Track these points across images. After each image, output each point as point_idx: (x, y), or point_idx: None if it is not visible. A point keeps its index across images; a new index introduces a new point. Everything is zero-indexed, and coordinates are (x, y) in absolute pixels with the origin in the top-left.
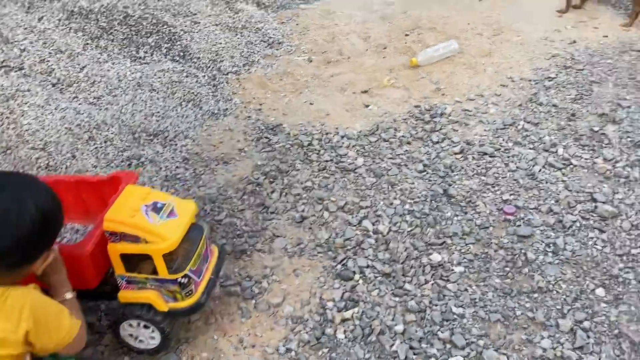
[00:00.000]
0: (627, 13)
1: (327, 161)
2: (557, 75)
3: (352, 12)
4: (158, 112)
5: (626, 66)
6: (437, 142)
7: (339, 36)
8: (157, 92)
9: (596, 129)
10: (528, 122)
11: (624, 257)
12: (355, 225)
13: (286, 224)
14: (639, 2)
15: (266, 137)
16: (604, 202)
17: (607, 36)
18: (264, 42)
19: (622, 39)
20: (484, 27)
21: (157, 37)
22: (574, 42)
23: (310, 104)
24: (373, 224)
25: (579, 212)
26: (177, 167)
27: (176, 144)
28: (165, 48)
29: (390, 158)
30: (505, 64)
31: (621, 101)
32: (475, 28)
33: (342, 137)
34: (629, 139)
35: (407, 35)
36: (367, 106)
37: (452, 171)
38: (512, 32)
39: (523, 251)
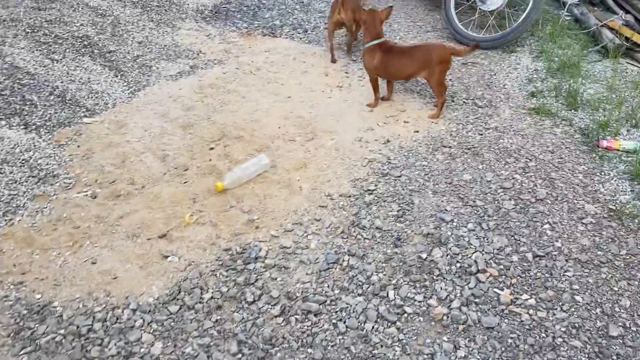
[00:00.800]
0: (433, 102)
1: (113, 356)
2: (376, 186)
3: (147, 122)
4: None
5: (441, 167)
6: (254, 302)
7: (131, 157)
8: None
9: (424, 255)
10: (353, 255)
11: None
12: None
13: None
14: (441, 93)
15: (28, 328)
16: None
17: (418, 131)
18: (34, 177)
19: (432, 134)
20: (296, 130)
21: None
22: (388, 141)
23: (93, 263)
24: None
25: None
26: None
27: None
28: None
29: (197, 336)
30: (322, 176)
31: (443, 214)
32: (287, 132)
33: (135, 311)
34: (458, 265)
35: (211, 149)
36: (167, 257)
37: (274, 346)
38: (326, 133)
39: None
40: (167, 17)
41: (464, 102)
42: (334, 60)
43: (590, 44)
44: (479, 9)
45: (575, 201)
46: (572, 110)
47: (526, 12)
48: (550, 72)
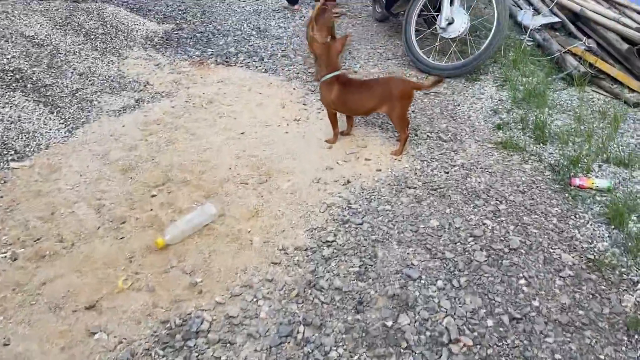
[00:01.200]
0: (396, 137)
1: None
2: (335, 236)
3: (83, 165)
4: None
5: (406, 212)
6: None
7: (61, 209)
8: None
9: (389, 323)
10: (309, 325)
11: None
12: None
13: None
14: (404, 129)
15: None
16: None
17: (380, 170)
18: None
19: (396, 172)
20: (249, 171)
21: None
22: (348, 182)
23: (5, 344)
24: None
25: None
26: None
27: None
28: None
29: None
30: (276, 226)
31: (410, 270)
32: (238, 174)
33: None
34: (428, 333)
35: (153, 196)
36: (94, 334)
37: None
38: (281, 174)
39: None
40: (113, 45)
41: (427, 136)
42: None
43: (554, 70)
44: (440, 36)
45: (551, 250)
46: (541, 144)
47: (489, 38)
48: (516, 102)
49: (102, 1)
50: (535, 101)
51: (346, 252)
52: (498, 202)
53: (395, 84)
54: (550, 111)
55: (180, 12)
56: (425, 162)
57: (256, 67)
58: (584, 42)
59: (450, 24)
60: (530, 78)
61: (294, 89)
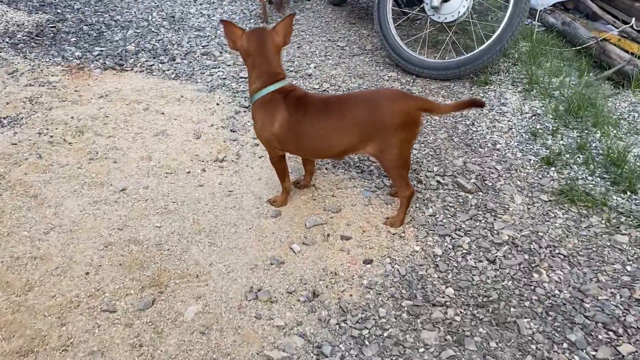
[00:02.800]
0: (387, 186)
1: None
2: None
3: None
4: None
5: None
6: None
7: None
8: None
9: None
10: None
11: None
12: None
13: None
14: (405, 181)
15: None
16: None
17: (371, 261)
18: None
19: (400, 268)
20: (122, 280)
21: None
22: (314, 295)
23: None
24: None
25: None
26: None
27: None
28: None
29: None
30: None
31: None
32: (101, 288)
33: None
34: None
35: None
36: None
37: None
38: (185, 283)
39: None
40: None
41: (438, 182)
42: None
43: (589, 67)
44: (430, 20)
45: None
46: (629, 193)
47: (504, 22)
48: (559, 116)
49: None
50: (587, 115)
51: None
52: (612, 335)
53: (388, 104)
54: (615, 131)
55: None
56: (447, 238)
57: (163, 71)
58: (632, 25)
59: (445, 1)
60: (563, 78)
61: (217, 104)
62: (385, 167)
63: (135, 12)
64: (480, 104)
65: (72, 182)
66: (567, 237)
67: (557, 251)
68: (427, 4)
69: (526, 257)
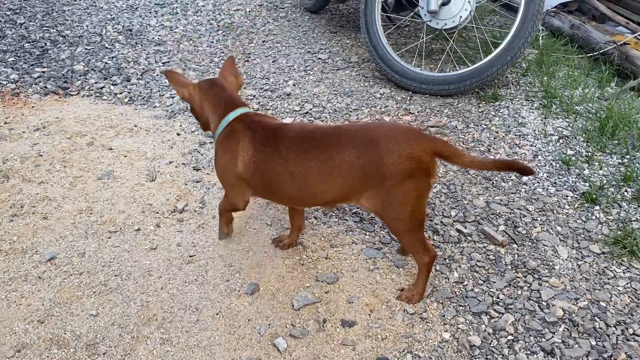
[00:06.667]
0: (394, 245)
1: None
2: None
3: None
4: None
5: None
6: None
7: None
8: None
9: None
10: None
11: None
12: None
13: None
14: (422, 244)
15: None
16: None
17: None
18: None
19: None
20: None
21: None
22: None
23: None
24: None
25: None
26: None
27: None
28: None
29: None
30: None
31: None
32: None
33: None
34: None
35: None
36: None
37: None
38: None
39: None
40: None
41: (460, 232)
42: None
43: (608, 76)
44: (427, 26)
45: None
46: None
47: (515, 25)
48: (590, 137)
49: None
50: (623, 134)
51: None
52: None
53: (391, 142)
54: None
55: (8, 13)
56: (484, 318)
57: (115, 94)
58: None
59: (444, 4)
60: (582, 90)
61: (178, 134)
62: (390, 229)
63: (87, 26)
64: (528, 172)
65: None
66: (639, 307)
67: (630, 331)
68: (422, 8)
69: (593, 342)
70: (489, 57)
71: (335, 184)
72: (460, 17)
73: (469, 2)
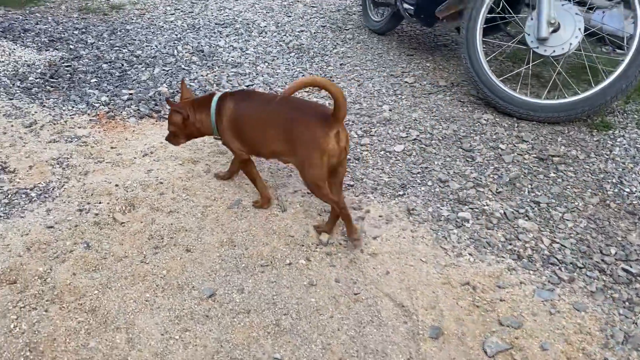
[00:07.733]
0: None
1: None
2: None
3: None
4: None
5: None
6: None
7: None
8: None
9: None
10: None
11: None
12: None
13: None
14: (331, 199)
15: None
16: None
17: None
18: None
19: None
20: None
21: None
22: None
23: None
24: None
25: None
26: None
27: None
28: None
29: None
30: None
31: None
32: None
33: None
34: None
35: None
36: None
37: None
38: None
39: None
40: None
41: (628, 272)
42: None
43: None
44: (533, 52)
45: None
46: None
47: (632, 51)
48: None
49: None
50: None
51: None
52: None
53: (302, 115)
54: None
55: (76, 33)
56: None
57: None
58: None
59: (554, 31)
60: None
61: None
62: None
63: (157, 46)
64: None
65: (138, 285)
66: None
67: None
68: (528, 35)
69: None
70: (602, 85)
71: (274, 139)
72: (570, 44)
73: (580, 29)
